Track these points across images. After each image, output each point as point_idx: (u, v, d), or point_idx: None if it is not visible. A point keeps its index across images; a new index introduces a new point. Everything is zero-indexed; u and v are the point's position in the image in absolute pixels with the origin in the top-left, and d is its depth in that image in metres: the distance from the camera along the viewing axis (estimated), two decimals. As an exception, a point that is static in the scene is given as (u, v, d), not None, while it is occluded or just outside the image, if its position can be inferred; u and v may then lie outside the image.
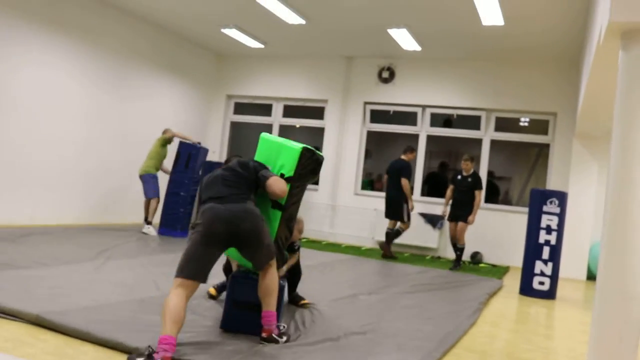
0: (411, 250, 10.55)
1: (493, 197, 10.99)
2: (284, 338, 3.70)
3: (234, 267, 4.17)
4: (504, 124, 10.75)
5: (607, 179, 3.85)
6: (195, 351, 3.33)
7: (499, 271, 9.12)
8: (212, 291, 4.80)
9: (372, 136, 11.76)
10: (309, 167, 3.95)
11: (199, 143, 9.57)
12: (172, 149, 9.67)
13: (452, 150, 12.84)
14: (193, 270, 3.41)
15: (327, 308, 4.91)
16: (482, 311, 5.77)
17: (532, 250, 7.23)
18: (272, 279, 3.71)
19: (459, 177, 8.94)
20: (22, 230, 7.70)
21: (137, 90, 10.45)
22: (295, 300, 4.88)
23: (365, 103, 11.48)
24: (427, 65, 11.01)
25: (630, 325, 3.62)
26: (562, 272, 7.97)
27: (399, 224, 9.47)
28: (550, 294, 7.14)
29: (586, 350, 4.03)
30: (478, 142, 10.82)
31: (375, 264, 8.53)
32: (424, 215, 10.42)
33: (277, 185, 3.76)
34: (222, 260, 4.50)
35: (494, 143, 10.79)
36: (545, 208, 7.17)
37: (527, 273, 7.25)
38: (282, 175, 3.90)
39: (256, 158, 4.19)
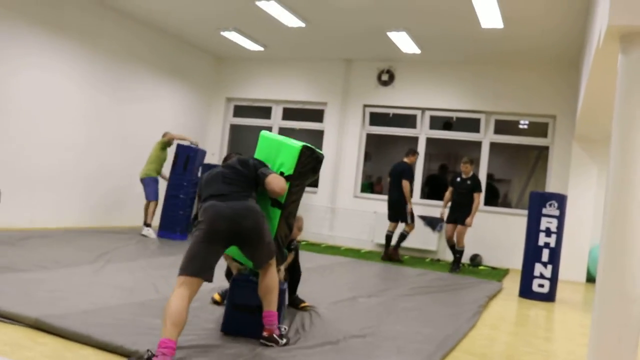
0: (411, 252, 10.54)
1: (492, 199, 11.00)
2: (284, 340, 3.69)
3: (234, 271, 4.17)
4: (503, 127, 10.76)
5: (607, 182, 3.85)
6: (195, 354, 3.33)
7: (498, 274, 9.12)
8: (217, 297, 4.76)
9: (371, 139, 11.77)
10: (309, 166, 3.93)
11: (197, 144, 9.59)
12: (172, 152, 9.66)
13: (451, 153, 12.85)
14: (196, 267, 3.40)
15: (327, 311, 4.90)
16: (482, 314, 5.76)
17: (532, 253, 7.23)
18: (272, 277, 3.71)
19: (459, 179, 8.95)
20: (22, 233, 7.70)
21: (136, 93, 10.45)
22: (296, 303, 4.87)
23: (365, 106, 11.49)
24: (427, 68, 11.02)
25: (630, 327, 3.62)
26: (562, 275, 7.96)
27: (403, 227, 9.50)
28: (549, 297, 7.14)
29: (586, 353, 4.03)
30: (477, 144, 10.83)
31: (375, 267, 8.53)
32: (423, 217, 10.42)
33: (276, 183, 3.75)
34: (224, 266, 4.50)
35: (494, 146, 10.80)
36: (544, 210, 7.18)
37: (527, 275, 7.25)
38: (281, 174, 3.88)
39: (256, 156, 4.16)
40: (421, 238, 10.36)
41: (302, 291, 5.10)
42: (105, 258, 6.50)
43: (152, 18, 10.09)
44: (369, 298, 5.83)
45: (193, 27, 10.45)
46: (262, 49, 11.20)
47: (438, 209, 10.00)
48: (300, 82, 11.94)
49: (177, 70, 11.45)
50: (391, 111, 11.33)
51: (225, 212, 3.51)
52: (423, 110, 11.11)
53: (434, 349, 4.02)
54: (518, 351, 4.44)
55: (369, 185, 12.48)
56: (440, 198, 10.06)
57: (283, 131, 12.12)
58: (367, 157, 11.86)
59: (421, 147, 11.03)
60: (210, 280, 3.46)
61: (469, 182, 8.84)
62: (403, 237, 9.48)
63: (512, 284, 8.13)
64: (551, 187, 10.07)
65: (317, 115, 11.91)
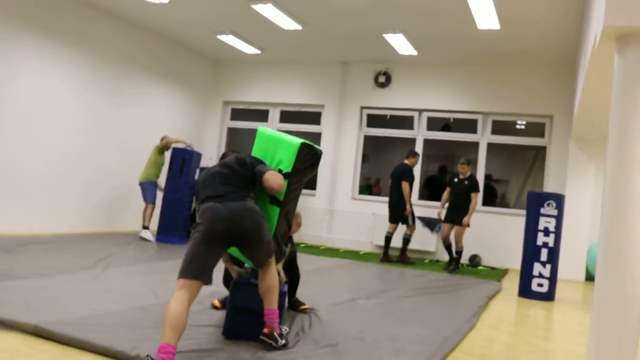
0: (409, 253, 10.52)
1: (491, 200, 11.01)
2: (284, 341, 3.67)
3: (234, 275, 4.16)
4: (500, 127, 10.78)
5: (604, 181, 3.86)
6: (195, 358, 3.33)
7: (497, 274, 9.13)
8: (217, 303, 4.74)
9: (369, 141, 11.78)
10: (307, 163, 3.90)
11: (191, 147, 9.61)
12: (168, 155, 9.67)
13: (449, 154, 12.86)
14: (196, 270, 3.39)
15: (326, 313, 4.90)
16: (481, 314, 5.76)
17: (531, 253, 7.25)
18: (272, 276, 3.71)
19: (456, 180, 8.98)
20: (20, 239, 7.68)
21: (133, 97, 10.45)
22: (295, 306, 4.87)
23: (362, 108, 11.50)
24: (424, 70, 11.03)
25: (629, 326, 3.63)
26: (561, 274, 7.97)
27: (404, 231, 9.53)
28: (548, 296, 7.15)
29: (585, 352, 4.03)
30: (475, 145, 10.84)
31: (374, 269, 8.53)
32: (421, 218, 10.42)
33: (274, 180, 3.73)
34: (222, 270, 4.50)
35: (491, 146, 10.81)
36: (542, 210, 7.19)
37: (526, 275, 7.26)
38: (279, 171, 3.85)
39: (254, 152, 4.14)
40: (420, 239, 10.37)
41: (301, 293, 5.10)
42: (104, 263, 6.49)
43: (149, 22, 10.09)
44: (368, 300, 5.83)
45: (190, 31, 10.45)
46: (259, 52, 11.21)
47: (436, 209, 10.01)
48: (298, 84, 11.94)
49: (174, 73, 11.45)
50: (388, 113, 11.34)
51: (223, 213, 3.51)
52: (420, 111, 11.13)
53: (433, 350, 4.02)
54: (518, 351, 4.45)
55: (367, 187, 12.48)
56: (440, 199, 10.07)
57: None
58: (365, 158, 11.86)
59: (419, 149, 11.03)
60: (209, 283, 3.46)
61: (466, 182, 8.86)
62: (407, 241, 9.56)
63: (511, 283, 8.13)
64: (549, 187, 10.09)
65: (314, 117, 11.92)
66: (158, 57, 10.96)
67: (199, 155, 9.62)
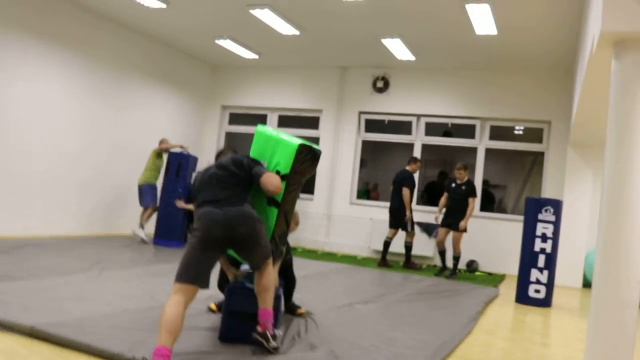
0: (407, 259, 10.53)
1: (488, 205, 11.01)
2: (275, 343, 3.65)
3: (231, 278, 4.15)
4: (498, 133, 10.80)
5: (602, 187, 3.86)
6: (190, 362, 3.33)
7: (494, 279, 9.12)
8: (213, 307, 4.73)
9: (367, 145, 11.78)
10: (306, 164, 3.88)
11: (187, 150, 9.62)
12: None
13: (447, 159, 12.88)
14: (192, 274, 3.39)
15: (323, 317, 4.89)
16: (478, 320, 5.75)
17: (528, 258, 7.24)
18: (268, 277, 3.71)
19: (453, 185, 8.98)
20: (17, 241, 7.66)
21: (131, 102, 10.45)
22: (292, 310, 4.86)
23: (360, 113, 11.51)
24: (422, 75, 11.05)
25: (626, 332, 3.63)
26: (558, 280, 7.96)
27: (405, 238, 9.57)
28: (546, 302, 7.14)
29: (582, 358, 4.03)
30: (473, 150, 10.85)
31: (371, 273, 8.52)
32: (419, 223, 10.42)
33: (271, 182, 3.71)
34: (217, 274, 4.49)
35: (489, 151, 10.83)
36: (540, 216, 7.19)
37: (523, 281, 7.24)
38: (277, 172, 3.82)
39: (252, 152, 4.11)
40: (417, 244, 10.36)
41: (298, 297, 5.10)
42: (100, 266, 6.48)
43: (146, 27, 10.10)
44: (365, 304, 5.83)
45: (188, 36, 10.46)
46: (256, 56, 11.22)
47: (434, 215, 10.01)
48: (296, 89, 11.96)
49: (172, 78, 11.46)
50: (386, 118, 11.35)
51: (221, 219, 3.50)
52: (418, 116, 11.14)
53: (430, 355, 4.01)
54: (514, 357, 4.44)
55: (365, 192, 12.49)
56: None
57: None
58: (363, 163, 11.87)
59: (417, 154, 11.04)
60: (206, 287, 3.46)
61: (463, 187, 8.86)
62: (409, 248, 9.62)
63: (509, 289, 8.13)
64: (547, 192, 10.10)
65: (312, 122, 11.93)
66: (156, 62, 10.97)
67: (195, 160, 9.62)
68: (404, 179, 9.51)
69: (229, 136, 12.72)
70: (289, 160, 3.81)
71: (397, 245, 9.79)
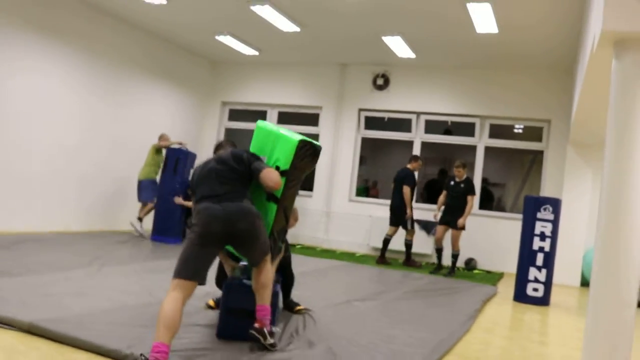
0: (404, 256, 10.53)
1: (487, 203, 11.01)
2: (272, 340, 3.65)
3: (228, 271, 4.14)
4: (498, 131, 10.80)
5: (601, 186, 3.87)
6: (189, 358, 3.32)
7: (493, 277, 9.13)
8: (211, 303, 4.73)
9: (366, 143, 11.78)
10: (306, 159, 3.85)
11: (185, 145, 9.62)
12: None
13: (447, 157, 12.88)
14: (191, 270, 3.38)
15: (321, 314, 4.89)
16: (477, 318, 5.76)
17: (526, 257, 7.24)
18: (266, 273, 3.71)
19: (452, 183, 8.97)
20: (16, 237, 7.67)
21: (131, 98, 10.44)
22: (290, 307, 4.86)
23: (360, 110, 11.51)
24: (422, 73, 11.05)
25: (624, 331, 3.63)
26: (556, 279, 7.99)
27: (405, 236, 9.60)
28: (544, 301, 7.15)
29: (580, 357, 4.03)
30: (472, 148, 10.85)
31: (370, 271, 8.53)
32: (418, 221, 10.42)
33: (270, 178, 3.68)
34: (215, 272, 4.49)
35: (489, 150, 10.82)
36: (539, 215, 7.19)
37: (521, 279, 7.25)
38: (277, 168, 3.81)
39: (252, 147, 4.09)
40: (416, 242, 10.37)
41: (296, 294, 5.10)
42: (99, 262, 6.48)
43: (147, 23, 10.08)
44: (363, 302, 5.83)
45: (188, 32, 10.45)
46: (257, 53, 11.21)
47: (433, 212, 10.03)
48: (296, 86, 11.95)
49: (172, 74, 11.45)
50: (386, 115, 11.35)
51: (220, 214, 3.50)
52: (418, 114, 11.13)
53: (428, 353, 4.02)
54: (512, 355, 4.45)
55: (365, 189, 12.49)
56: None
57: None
58: (363, 160, 11.87)
59: (416, 151, 11.05)
60: (204, 283, 3.46)
61: (462, 185, 8.86)
62: (409, 246, 9.65)
63: (507, 288, 8.13)
64: (546, 191, 10.10)
65: (312, 119, 11.92)
66: (156, 58, 10.96)
67: (193, 156, 9.61)
68: (405, 177, 9.53)
69: (229, 132, 12.71)
70: (289, 156, 3.79)
71: (396, 243, 9.80)
